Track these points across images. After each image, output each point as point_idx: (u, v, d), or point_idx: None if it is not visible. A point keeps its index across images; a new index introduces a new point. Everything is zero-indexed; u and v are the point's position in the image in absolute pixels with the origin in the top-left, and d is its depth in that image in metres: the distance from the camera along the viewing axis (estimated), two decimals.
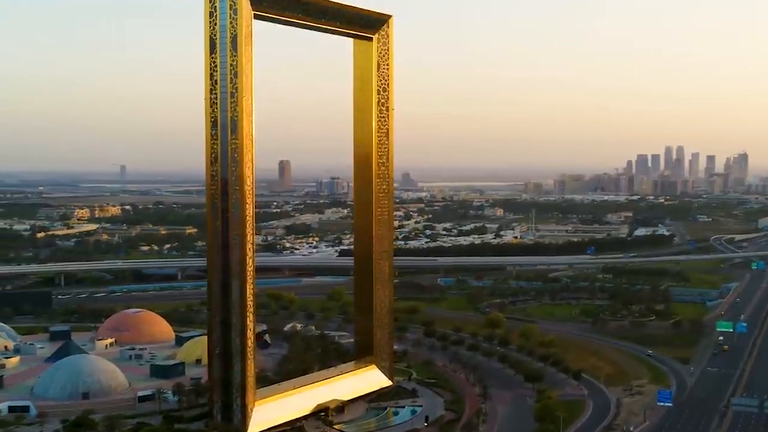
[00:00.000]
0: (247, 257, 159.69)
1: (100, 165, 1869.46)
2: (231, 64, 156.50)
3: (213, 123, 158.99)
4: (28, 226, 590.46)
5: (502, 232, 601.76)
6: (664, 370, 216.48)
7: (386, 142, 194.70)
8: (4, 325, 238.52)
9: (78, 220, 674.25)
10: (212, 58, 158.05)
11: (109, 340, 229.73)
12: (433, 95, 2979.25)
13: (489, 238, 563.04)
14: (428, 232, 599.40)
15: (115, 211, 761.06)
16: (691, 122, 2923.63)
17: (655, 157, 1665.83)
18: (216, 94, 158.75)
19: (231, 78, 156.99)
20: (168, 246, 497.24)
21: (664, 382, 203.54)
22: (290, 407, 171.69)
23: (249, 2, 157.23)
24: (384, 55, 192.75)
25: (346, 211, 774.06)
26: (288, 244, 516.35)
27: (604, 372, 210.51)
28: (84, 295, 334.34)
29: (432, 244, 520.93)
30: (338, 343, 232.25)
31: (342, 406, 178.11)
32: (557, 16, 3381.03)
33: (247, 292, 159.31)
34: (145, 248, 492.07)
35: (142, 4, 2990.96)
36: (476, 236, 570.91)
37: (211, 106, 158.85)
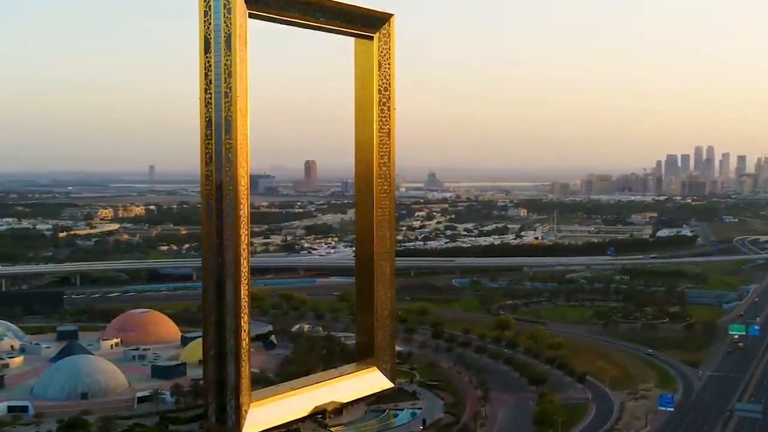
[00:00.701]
0: (242, 258, 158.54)
1: (130, 165, 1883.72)
2: (225, 64, 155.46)
3: (208, 123, 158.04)
4: (50, 226, 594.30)
5: (523, 233, 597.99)
6: (673, 373, 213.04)
7: (388, 143, 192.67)
8: (11, 324, 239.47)
9: (101, 220, 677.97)
10: (207, 57, 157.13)
11: (115, 340, 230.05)
12: (461, 95, 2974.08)
13: (509, 238, 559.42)
14: (449, 232, 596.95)
15: (138, 211, 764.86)
16: (722, 122, 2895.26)
17: (685, 157, 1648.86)
18: (210, 93, 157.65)
19: (225, 78, 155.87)
20: (187, 246, 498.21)
21: (671, 385, 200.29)
22: (286, 409, 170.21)
23: (243, 1, 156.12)
24: (385, 55, 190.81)
25: None
26: (307, 245, 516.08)
27: (611, 375, 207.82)
28: (97, 295, 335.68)
29: (451, 245, 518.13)
30: (344, 344, 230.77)
31: (340, 408, 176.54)
32: (588, 15, 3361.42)
33: (242, 293, 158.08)
34: (164, 248, 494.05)
35: (163, 4, 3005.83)
36: (496, 237, 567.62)
37: (206, 106, 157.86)
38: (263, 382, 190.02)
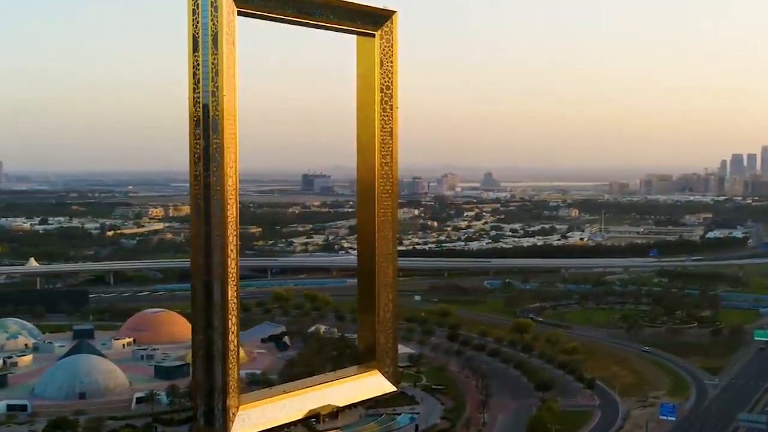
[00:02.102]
0: (229, 259, 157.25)
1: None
2: (212, 63, 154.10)
3: (196, 122, 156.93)
4: (98, 225, 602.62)
5: (569, 234, 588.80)
6: (688, 380, 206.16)
7: (390, 142, 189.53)
8: (26, 323, 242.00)
9: (149, 219, 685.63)
10: (195, 56, 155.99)
11: (127, 340, 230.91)
12: (525, 93, 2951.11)
13: (554, 239, 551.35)
14: (493, 233, 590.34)
15: (189, 210, 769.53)
16: None
17: (752, 157, 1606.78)
18: (199, 93, 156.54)
19: (212, 77, 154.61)
20: None
21: (684, 393, 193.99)
22: (278, 412, 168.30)
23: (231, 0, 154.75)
24: (387, 53, 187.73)
25: (416, 211, 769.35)
26: (346, 244, 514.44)
27: (623, 381, 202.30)
28: (127, 294, 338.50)
29: (492, 246, 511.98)
30: (354, 346, 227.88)
31: (336, 412, 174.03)
32: (649, 12, 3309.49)
33: (229, 294, 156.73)
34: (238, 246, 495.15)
35: None
36: (541, 238, 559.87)
37: (194, 105, 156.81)
38: (264, 383, 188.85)
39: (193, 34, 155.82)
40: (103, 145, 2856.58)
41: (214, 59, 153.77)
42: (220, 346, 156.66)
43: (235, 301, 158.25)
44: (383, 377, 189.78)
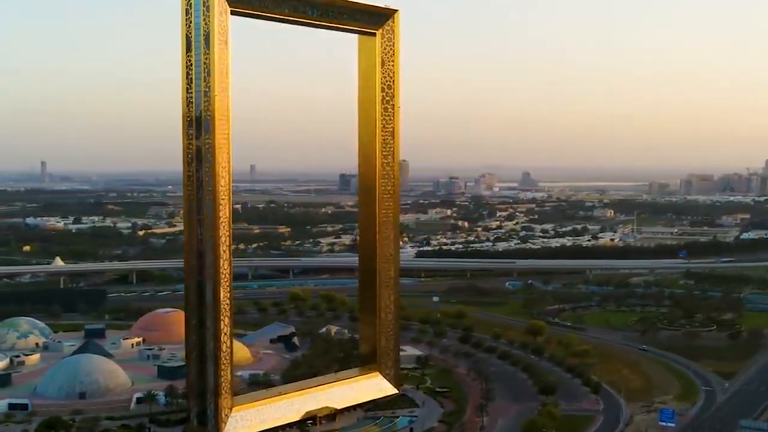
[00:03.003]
0: (222, 259, 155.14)
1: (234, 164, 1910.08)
2: (204, 63, 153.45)
3: (189, 122, 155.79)
4: (130, 224, 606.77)
5: (600, 234, 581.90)
6: (698, 385, 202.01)
7: (391, 142, 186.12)
8: (38, 322, 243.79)
9: (181, 218, 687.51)
10: (188, 56, 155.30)
11: (136, 340, 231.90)
12: (566, 94, 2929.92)
13: (584, 240, 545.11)
14: (523, 233, 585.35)
15: None
16: None
17: None
18: (192, 93, 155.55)
19: (204, 77, 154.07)
20: (255, 245, 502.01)
21: (692, 398, 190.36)
22: (274, 413, 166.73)
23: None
24: (389, 52, 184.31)
25: (449, 211, 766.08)
26: None
27: (632, 386, 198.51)
28: (147, 293, 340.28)
29: (521, 246, 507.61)
30: None
31: (334, 414, 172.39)
32: (688, 9, 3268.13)
33: (221, 295, 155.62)
34: (232, 247, 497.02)
35: None
36: (572, 238, 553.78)
37: (188, 105, 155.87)
38: (265, 384, 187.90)
39: (186, 34, 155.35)
40: (148, 146, 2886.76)
41: (206, 59, 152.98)
42: (212, 347, 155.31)
43: (228, 302, 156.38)
44: (384, 379, 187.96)
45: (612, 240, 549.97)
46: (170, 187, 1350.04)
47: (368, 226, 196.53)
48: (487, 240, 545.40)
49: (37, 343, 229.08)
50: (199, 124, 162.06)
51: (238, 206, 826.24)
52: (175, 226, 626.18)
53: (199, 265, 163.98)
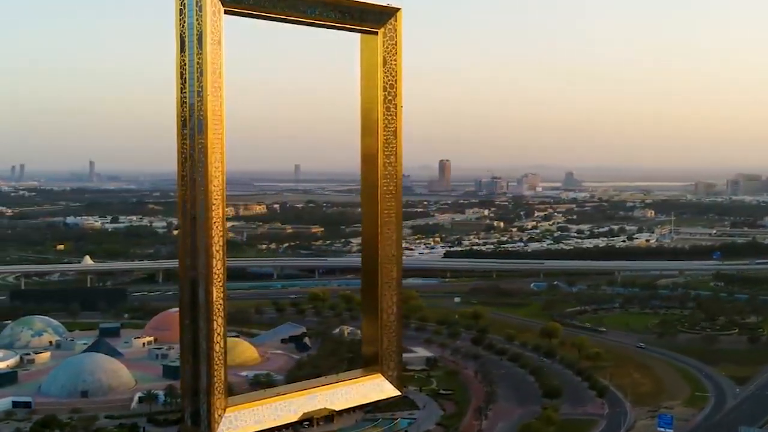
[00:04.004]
0: (214, 260, 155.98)
1: (277, 164, 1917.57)
2: (198, 63, 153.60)
3: (183, 123, 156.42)
4: (165, 224, 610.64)
5: (636, 235, 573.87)
6: (710, 389, 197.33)
7: (394, 142, 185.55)
8: (52, 320, 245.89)
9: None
10: (182, 56, 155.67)
11: (147, 339, 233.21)
12: (614, 92, 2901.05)
13: (618, 241, 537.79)
14: (557, 234, 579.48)
15: (260, 209, 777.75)
16: None
17: None
18: (185, 93, 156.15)
19: (197, 77, 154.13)
20: (286, 245, 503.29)
21: (700, 403, 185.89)
22: (270, 414, 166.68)
23: None
24: (391, 51, 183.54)
25: (486, 211, 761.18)
26: (405, 245, 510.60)
27: (641, 390, 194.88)
28: (170, 293, 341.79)
29: (553, 247, 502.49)
30: None
31: (332, 416, 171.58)
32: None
33: (214, 295, 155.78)
34: (263, 247, 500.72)
35: None
36: (606, 239, 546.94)
37: (182, 106, 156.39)
38: (267, 384, 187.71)
39: (180, 34, 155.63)
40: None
41: (199, 59, 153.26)
42: (205, 347, 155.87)
43: (221, 302, 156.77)
44: (386, 381, 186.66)
45: (647, 241, 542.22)
46: None
47: (370, 227, 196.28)
48: (520, 240, 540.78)
49: (50, 342, 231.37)
50: (192, 125, 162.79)
51: (277, 205, 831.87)
52: None
53: (192, 265, 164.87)
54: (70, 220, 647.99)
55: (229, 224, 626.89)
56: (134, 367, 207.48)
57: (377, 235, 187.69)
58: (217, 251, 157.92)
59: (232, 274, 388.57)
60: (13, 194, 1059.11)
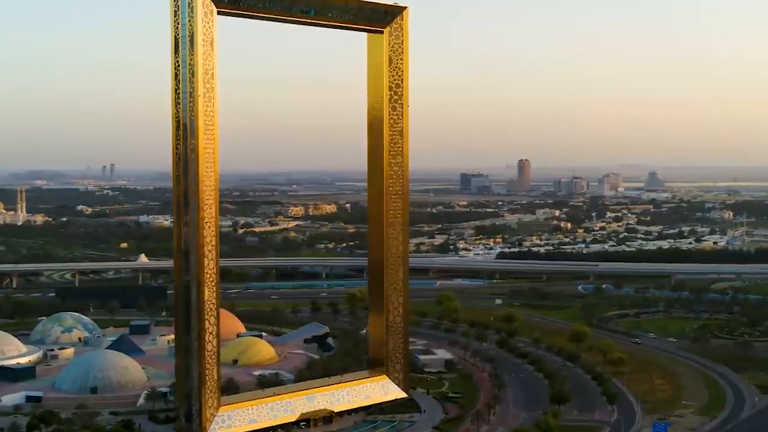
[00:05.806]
0: (207, 260, 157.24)
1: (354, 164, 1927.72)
2: (190, 64, 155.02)
3: (177, 124, 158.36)
4: (230, 223, 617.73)
5: (705, 237, 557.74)
6: (729, 397, 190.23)
7: (400, 141, 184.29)
8: (83, 316, 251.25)
9: (285, 217, 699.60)
10: (176, 58, 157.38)
11: (172, 336, 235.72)
12: (704, 90, 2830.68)
13: (685, 242, 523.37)
14: (623, 235, 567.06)
15: (329, 209, 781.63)
16: None
17: None
18: (179, 94, 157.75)
19: (190, 78, 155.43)
20: (344, 244, 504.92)
21: (715, 411, 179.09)
22: (266, 414, 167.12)
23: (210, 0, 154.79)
24: (397, 50, 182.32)
25: (557, 212, 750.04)
26: (462, 245, 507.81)
27: (658, 396, 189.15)
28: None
29: (616, 248, 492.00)
30: None
31: (330, 417, 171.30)
32: None
33: (206, 296, 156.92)
34: (321, 246, 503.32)
35: None
36: (673, 240, 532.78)
37: (176, 107, 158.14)
38: (273, 384, 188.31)
39: (175, 36, 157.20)
40: (287, 146, 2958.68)
41: (191, 61, 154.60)
42: (196, 347, 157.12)
43: (214, 301, 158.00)
44: (392, 382, 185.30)
45: (715, 243, 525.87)
46: (294, 186, 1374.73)
47: (376, 227, 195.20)
48: (583, 242, 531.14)
49: (79, 338, 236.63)
50: (185, 127, 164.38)
51: (348, 205, 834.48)
52: (276, 225, 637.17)
53: (186, 265, 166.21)
54: (142, 219, 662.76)
55: (293, 224, 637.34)
56: (153, 364, 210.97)
57: (383, 236, 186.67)
58: (210, 251, 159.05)
59: (283, 273, 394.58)
60: (98, 193, 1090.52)
